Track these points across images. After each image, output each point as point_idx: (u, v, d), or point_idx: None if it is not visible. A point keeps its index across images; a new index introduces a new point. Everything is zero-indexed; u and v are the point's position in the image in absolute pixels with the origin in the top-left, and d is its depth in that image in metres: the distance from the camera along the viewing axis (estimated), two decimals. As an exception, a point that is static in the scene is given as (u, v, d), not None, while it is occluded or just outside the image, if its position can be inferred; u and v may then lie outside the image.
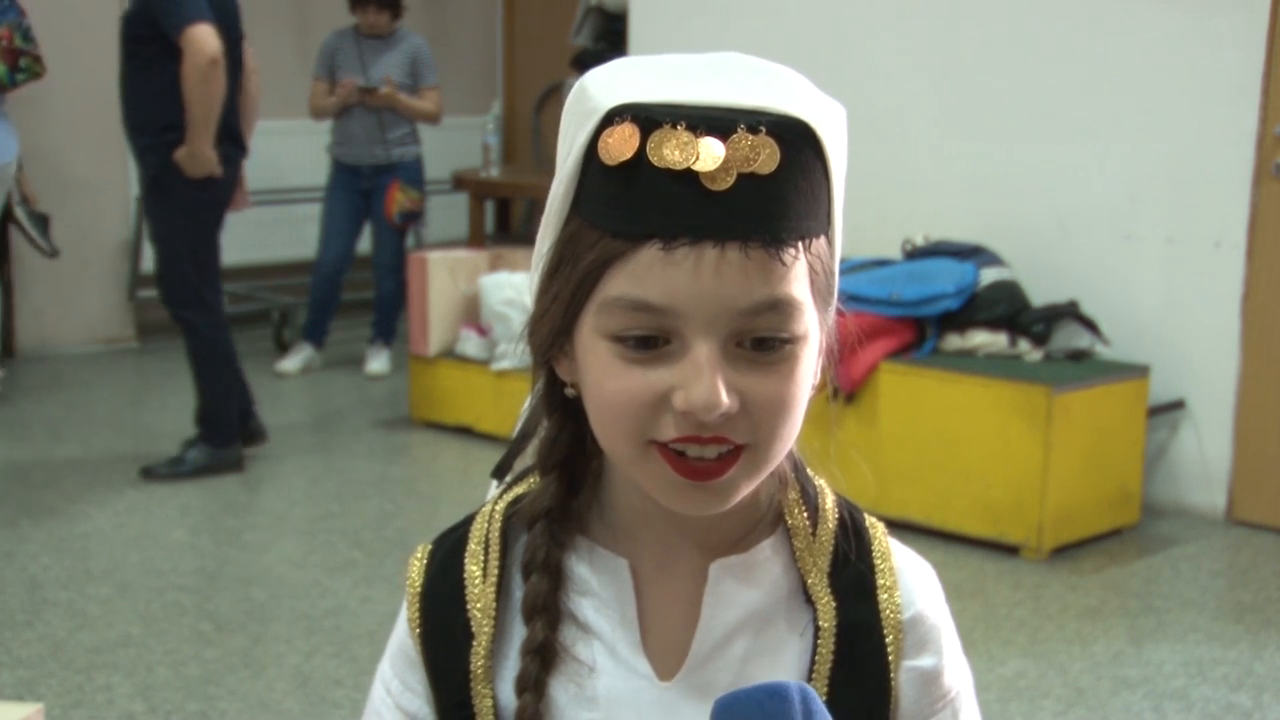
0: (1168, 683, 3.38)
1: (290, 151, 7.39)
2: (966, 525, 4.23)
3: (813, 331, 0.94)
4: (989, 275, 4.53)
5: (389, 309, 6.40)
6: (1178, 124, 4.53)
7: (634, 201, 0.89)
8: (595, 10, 7.12)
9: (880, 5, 5.15)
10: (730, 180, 0.88)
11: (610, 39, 7.02)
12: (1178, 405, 4.59)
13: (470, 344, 5.40)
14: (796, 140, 0.90)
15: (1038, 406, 4.10)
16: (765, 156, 0.88)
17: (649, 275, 0.89)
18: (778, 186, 0.89)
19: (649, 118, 0.89)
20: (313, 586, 3.89)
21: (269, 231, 7.37)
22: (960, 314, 4.46)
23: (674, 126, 0.88)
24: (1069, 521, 4.21)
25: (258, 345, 6.92)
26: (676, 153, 0.88)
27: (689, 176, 0.88)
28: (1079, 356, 4.42)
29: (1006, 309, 4.44)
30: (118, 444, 5.28)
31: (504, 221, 6.69)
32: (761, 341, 0.90)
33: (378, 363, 6.39)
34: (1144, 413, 4.40)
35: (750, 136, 0.88)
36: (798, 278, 0.91)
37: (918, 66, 5.06)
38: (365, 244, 6.40)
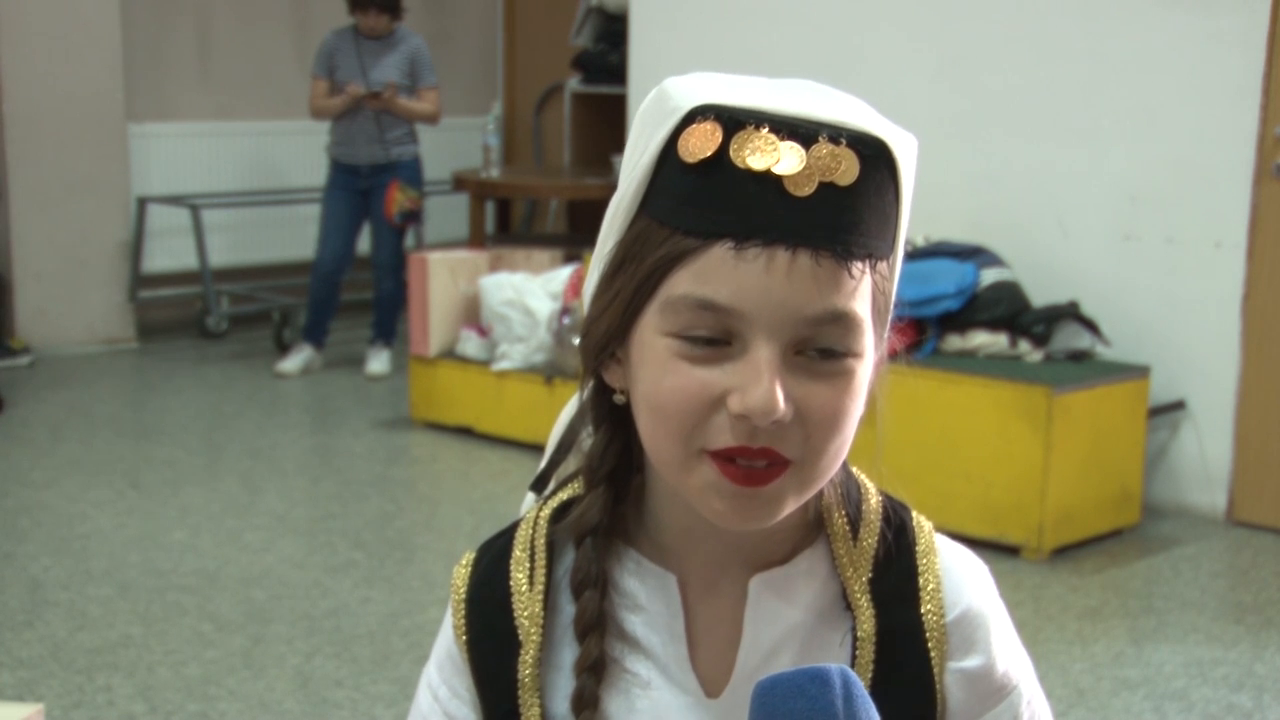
0: (1168, 683, 3.38)
1: (290, 151, 7.40)
2: (967, 526, 4.23)
3: (869, 353, 0.94)
4: (989, 276, 4.53)
5: (389, 309, 6.39)
6: (1178, 124, 4.53)
7: (709, 200, 0.89)
8: (595, 11, 7.12)
9: (880, 5, 5.15)
10: (812, 187, 0.88)
11: (610, 39, 7.03)
12: (1178, 406, 4.58)
13: (470, 344, 5.40)
14: (875, 157, 0.90)
15: (1038, 407, 4.10)
16: (845, 167, 0.89)
17: (717, 274, 0.88)
18: (854, 199, 0.89)
19: (732, 118, 0.89)
20: (313, 587, 3.88)
21: (269, 231, 7.36)
22: (960, 314, 4.46)
23: (757, 128, 0.88)
24: (1069, 522, 4.21)
25: (258, 345, 6.92)
26: (759, 154, 0.88)
27: (769, 179, 0.88)
28: (1079, 357, 4.42)
29: (1007, 309, 4.44)
30: (118, 444, 5.28)
31: (504, 222, 6.69)
32: (824, 350, 0.90)
33: (378, 363, 6.39)
34: (1144, 413, 4.40)
35: (831, 146, 0.89)
36: (862, 295, 0.91)
37: (917, 66, 5.05)
38: (365, 244, 6.40)
